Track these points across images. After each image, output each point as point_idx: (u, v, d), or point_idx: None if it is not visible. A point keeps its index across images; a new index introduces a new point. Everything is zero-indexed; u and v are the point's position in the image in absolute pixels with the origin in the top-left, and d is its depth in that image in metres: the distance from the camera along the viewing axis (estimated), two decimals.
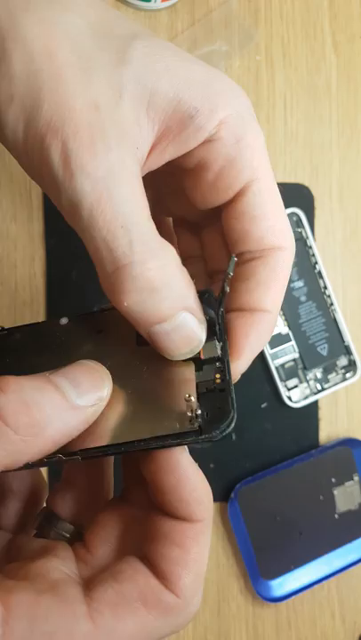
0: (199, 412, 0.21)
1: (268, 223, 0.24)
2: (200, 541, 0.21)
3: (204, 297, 0.24)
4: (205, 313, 0.23)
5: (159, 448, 0.21)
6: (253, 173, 0.24)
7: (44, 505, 0.26)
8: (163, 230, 0.27)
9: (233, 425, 0.21)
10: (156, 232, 0.21)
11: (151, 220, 0.21)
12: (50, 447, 0.20)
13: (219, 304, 0.23)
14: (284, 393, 0.50)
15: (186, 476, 0.21)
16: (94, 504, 0.25)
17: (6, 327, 0.26)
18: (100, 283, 0.22)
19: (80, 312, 0.26)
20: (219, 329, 0.23)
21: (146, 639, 0.20)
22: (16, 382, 0.20)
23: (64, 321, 0.26)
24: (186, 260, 0.30)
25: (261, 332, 0.24)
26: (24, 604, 0.19)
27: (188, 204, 0.27)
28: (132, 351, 0.24)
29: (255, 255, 0.24)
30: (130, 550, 0.22)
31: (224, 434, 0.20)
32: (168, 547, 0.21)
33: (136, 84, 0.21)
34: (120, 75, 0.21)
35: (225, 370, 0.23)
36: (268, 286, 0.24)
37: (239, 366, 0.24)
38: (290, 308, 0.50)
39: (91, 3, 0.22)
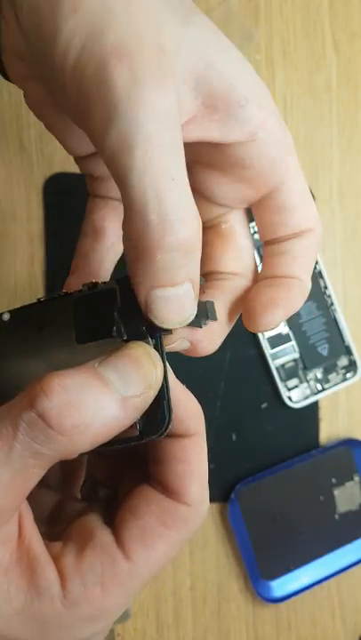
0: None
1: (302, 213, 0.25)
2: (200, 452, 0.23)
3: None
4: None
5: (104, 447, 0.21)
6: (288, 171, 0.25)
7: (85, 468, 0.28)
8: None
9: (170, 426, 0.22)
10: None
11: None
12: (100, 440, 0.20)
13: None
14: (284, 393, 0.50)
15: (176, 396, 0.22)
16: (126, 467, 0.27)
17: None
18: (125, 227, 0.20)
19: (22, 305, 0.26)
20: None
21: (175, 550, 0.23)
22: (59, 384, 0.20)
23: (6, 317, 0.26)
24: None
25: (295, 295, 0.26)
26: (72, 564, 0.21)
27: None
28: (72, 350, 0.24)
29: (290, 236, 0.26)
30: (138, 478, 0.24)
31: (163, 436, 0.22)
32: (174, 464, 0.23)
33: (194, 49, 0.21)
34: (182, 35, 0.21)
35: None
36: (302, 259, 0.26)
37: (265, 323, 0.25)
38: None
39: None
